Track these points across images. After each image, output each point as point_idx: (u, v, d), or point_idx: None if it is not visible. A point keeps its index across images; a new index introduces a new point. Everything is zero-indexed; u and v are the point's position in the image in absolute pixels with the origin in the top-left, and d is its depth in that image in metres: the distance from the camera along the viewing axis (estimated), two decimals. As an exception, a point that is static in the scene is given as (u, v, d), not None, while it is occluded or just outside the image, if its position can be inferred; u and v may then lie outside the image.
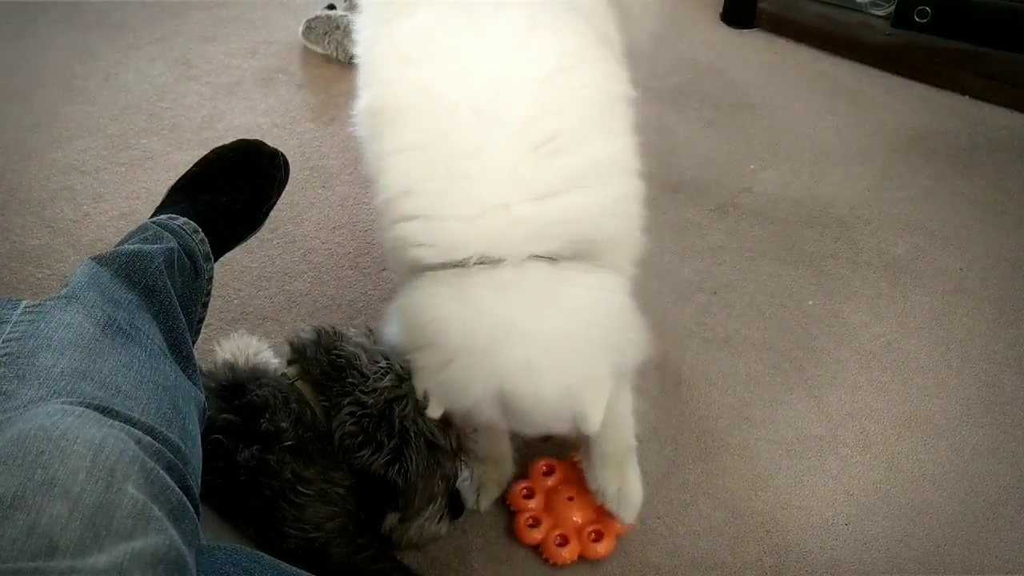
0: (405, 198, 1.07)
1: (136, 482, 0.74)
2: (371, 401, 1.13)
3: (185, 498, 0.80)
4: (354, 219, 1.87)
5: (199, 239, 1.20)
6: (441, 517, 1.23)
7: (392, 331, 1.16)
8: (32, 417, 0.76)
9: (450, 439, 1.18)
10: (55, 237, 1.80)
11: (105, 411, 0.80)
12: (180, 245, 1.15)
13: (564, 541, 1.27)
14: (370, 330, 1.23)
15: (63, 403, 0.79)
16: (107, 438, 0.75)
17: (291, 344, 1.23)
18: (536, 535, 1.29)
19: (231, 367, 1.19)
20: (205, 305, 1.23)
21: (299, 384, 1.19)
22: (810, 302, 1.75)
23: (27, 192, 1.92)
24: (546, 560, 1.27)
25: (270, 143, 1.41)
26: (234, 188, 1.30)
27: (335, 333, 1.22)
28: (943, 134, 2.27)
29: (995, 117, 2.34)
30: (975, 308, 1.75)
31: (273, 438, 1.10)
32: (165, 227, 1.17)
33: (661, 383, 1.56)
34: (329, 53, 2.46)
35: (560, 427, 1.08)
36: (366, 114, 1.14)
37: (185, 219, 1.21)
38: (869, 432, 1.49)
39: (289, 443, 1.10)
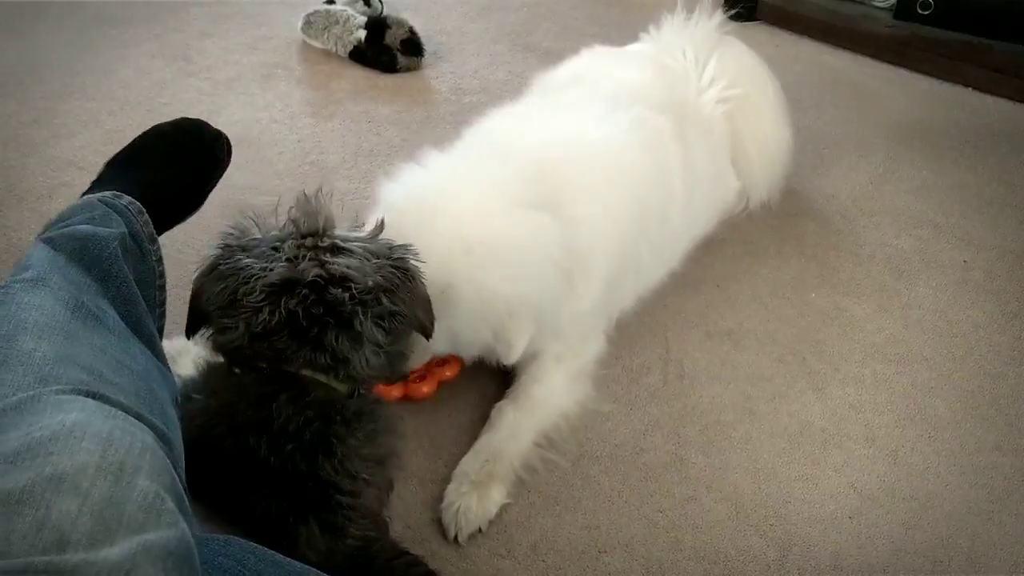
0: None
1: (147, 474, 0.73)
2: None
3: (182, 487, 0.79)
4: (353, 214, 1.85)
5: (143, 220, 1.15)
6: None
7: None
8: (38, 411, 0.75)
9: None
10: (53, 233, 1.79)
11: (96, 396, 0.79)
12: (128, 228, 1.11)
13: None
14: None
15: (56, 391, 0.78)
16: (114, 430, 0.74)
17: None
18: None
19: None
20: (162, 288, 1.18)
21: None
22: (813, 295, 1.74)
23: (25, 187, 1.91)
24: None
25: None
26: (177, 167, 1.26)
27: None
28: (946, 126, 2.26)
29: (998, 109, 2.33)
30: (979, 301, 1.74)
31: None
32: (113, 207, 1.12)
33: (664, 376, 1.55)
34: (328, 48, 2.45)
35: None
36: None
37: (130, 199, 1.16)
38: (873, 425, 1.48)
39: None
